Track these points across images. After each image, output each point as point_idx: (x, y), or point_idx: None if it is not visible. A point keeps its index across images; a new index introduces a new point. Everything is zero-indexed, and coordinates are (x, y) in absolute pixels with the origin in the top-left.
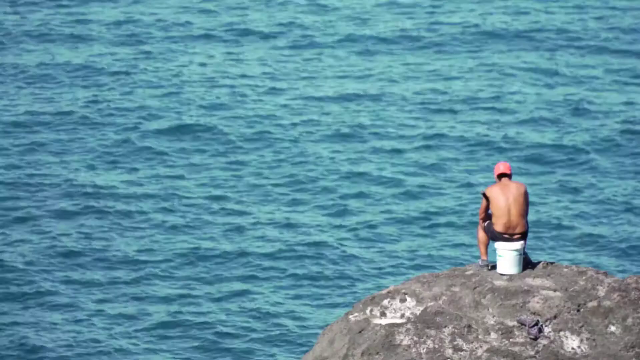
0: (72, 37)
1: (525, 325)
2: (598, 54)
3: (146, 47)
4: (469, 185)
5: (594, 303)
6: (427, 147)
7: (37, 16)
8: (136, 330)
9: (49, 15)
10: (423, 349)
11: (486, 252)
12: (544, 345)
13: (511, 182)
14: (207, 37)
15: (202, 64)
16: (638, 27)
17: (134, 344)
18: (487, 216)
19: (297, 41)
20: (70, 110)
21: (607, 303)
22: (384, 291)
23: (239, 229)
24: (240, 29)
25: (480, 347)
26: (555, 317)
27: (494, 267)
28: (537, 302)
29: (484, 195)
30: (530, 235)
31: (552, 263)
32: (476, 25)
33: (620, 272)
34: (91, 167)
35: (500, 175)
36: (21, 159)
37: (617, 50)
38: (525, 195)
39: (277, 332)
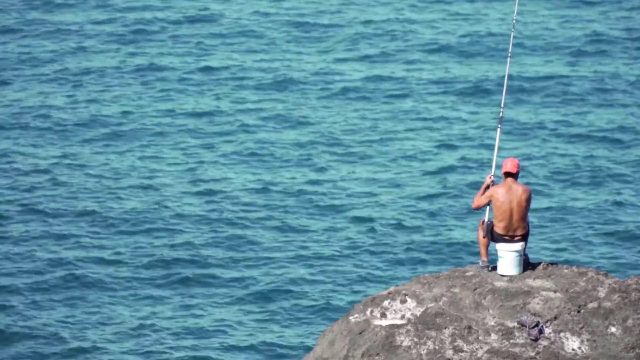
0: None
1: (525, 326)
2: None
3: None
4: (469, 185)
5: (595, 304)
6: (427, 148)
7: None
8: (130, 330)
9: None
10: (423, 350)
11: (486, 253)
12: (545, 347)
13: (517, 184)
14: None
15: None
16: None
17: (128, 344)
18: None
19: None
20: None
21: (607, 304)
22: (384, 292)
23: (237, 229)
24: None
25: (481, 348)
26: (555, 318)
27: (494, 268)
28: (538, 303)
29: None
30: (531, 236)
31: (552, 264)
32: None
33: (620, 270)
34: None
35: (506, 174)
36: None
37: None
38: (529, 199)
39: (277, 332)
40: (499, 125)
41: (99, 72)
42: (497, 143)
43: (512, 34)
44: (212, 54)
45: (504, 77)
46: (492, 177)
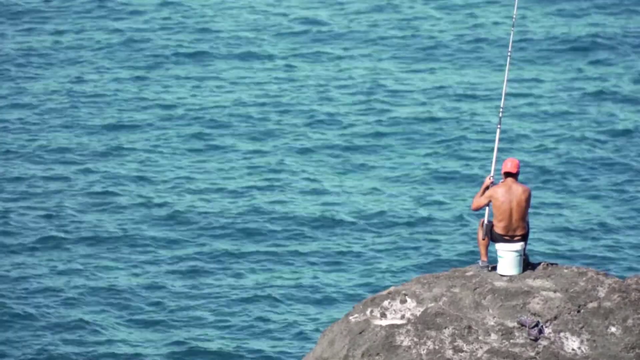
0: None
1: (525, 326)
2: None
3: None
4: (469, 185)
5: (594, 304)
6: (427, 147)
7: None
8: (129, 330)
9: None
10: (423, 350)
11: (486, 253)
12: (544, 346)
13: (517, 184)
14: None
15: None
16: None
17: (127, 342)
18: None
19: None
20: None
21: (607, 304)
22: (384, 292)
23: (237, 229)
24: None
25: (481, 348)
26: (555, 318)
27: (494, 268)
28: (538, 303)
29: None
30: (531, 235)
31: (552, 264)
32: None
33: (620, 270)
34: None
35: (506, 174)
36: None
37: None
38: (529, 199)
39: (277, 332)
40: (499, 125)
41: (101, 72)
42: (496, 143)
43: (512, 33)
44: (217, 59)
45: (504, 77)
46: (491, 178)
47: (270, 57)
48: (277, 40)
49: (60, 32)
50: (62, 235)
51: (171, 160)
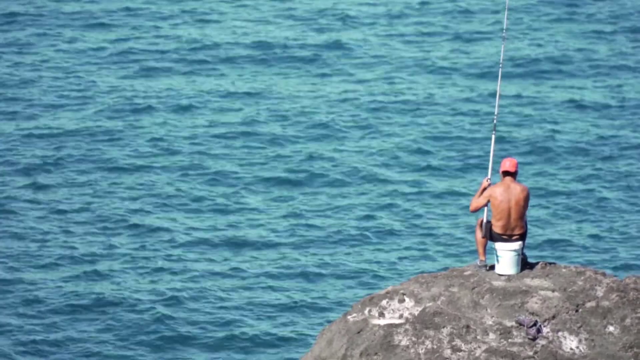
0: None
1: (523, 326)
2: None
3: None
4: (468, 185)
5: (593, 303)
6: (426, 147)
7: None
8: (131, 333)
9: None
10: (422, 349)
11: (484, 253)
12: (543, 346)
13: (515, 183)
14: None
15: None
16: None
17: (127, 346)
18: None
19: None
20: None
21: (605, 303)
22: (383, 292)
23: (236, 228)
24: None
25: (479, 347)
26: (553, 317)
27: (492, 267)
28: (536, 303)
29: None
30: (529, 236)
31: (550, 263)
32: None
33: (618, 269)
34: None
35: (505, 173)
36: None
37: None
38: (527, 198)
39: (276, 332)
40: (493, 131)
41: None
42: (492, 148)
43: (503, 45)
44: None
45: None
46: (488, 180)
47: (274, 62)
48: (278, 43)
49: (61, 33)
50: (71, 232)
51: (172, 159)
